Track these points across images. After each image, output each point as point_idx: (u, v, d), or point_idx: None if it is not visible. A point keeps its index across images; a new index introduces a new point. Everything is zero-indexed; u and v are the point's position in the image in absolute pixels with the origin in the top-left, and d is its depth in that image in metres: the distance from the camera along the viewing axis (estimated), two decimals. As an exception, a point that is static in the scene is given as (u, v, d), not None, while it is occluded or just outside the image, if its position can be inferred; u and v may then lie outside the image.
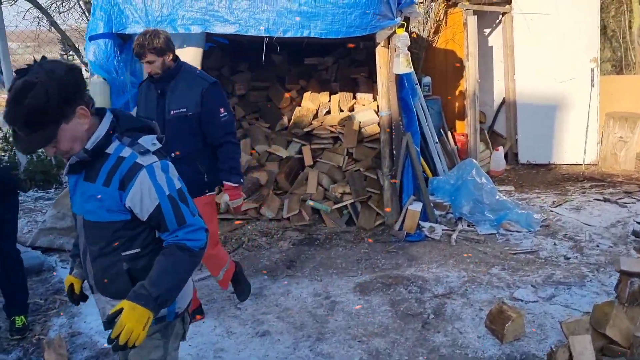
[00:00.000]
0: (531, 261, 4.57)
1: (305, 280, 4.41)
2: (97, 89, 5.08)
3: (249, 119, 6.51)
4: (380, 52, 4.88)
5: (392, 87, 4.96)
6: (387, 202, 5.24)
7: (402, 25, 4.69)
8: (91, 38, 4.57)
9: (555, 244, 4.93)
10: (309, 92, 6.51)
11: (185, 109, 3.36)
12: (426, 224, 5.20)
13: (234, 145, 3.53)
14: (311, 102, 6.38)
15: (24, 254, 4.54)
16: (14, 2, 7.29)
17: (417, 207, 5.14)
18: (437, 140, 6.26)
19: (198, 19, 4.43)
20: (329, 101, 6.42)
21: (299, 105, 6.48)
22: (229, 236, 5.32)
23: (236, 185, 3.55)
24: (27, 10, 7.66)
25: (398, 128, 5.07)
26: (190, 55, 4.92)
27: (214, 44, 7.02)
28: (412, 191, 5.25)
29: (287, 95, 6.53)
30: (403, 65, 4.72)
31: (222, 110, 3.42)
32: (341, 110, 6.31)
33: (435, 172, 6.20)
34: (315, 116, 6.38)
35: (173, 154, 3.29)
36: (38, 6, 7.79)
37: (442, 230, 5.18)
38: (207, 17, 4.43)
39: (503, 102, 7.71)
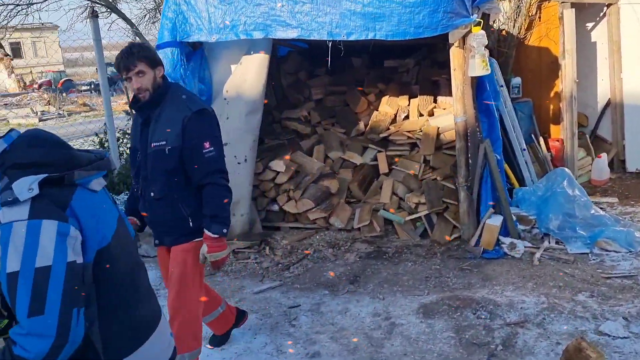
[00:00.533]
0: (627, 287, 3.99)
1: (367, 297, 4.15)
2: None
3: (325, 124, 6.33)
4: (455, 53, 4.50)
5: (468, 90, 4.55)
6: (463, 215, 4.84)
7: (478, 24, 4.29)
8: (158, 47, 4.61)
9: (659, 267, 4.29)
10: (387, 96, 6.22)
11: (164, 142, 2.78)
12: (506, 240, 4.73)
13: (220, 187, 2.84)
14: (389, 107, 6.09)
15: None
16: (108, 14, 7.69)
17: (496, 221, 4.70)
18: (525, 147, 5.72)
19: (260, 24, 4.32)
20: (408, 105, 6.09)
21: (377, 110, 6.21)
22: (296, 246, 5.17)
23: (216, 236, 2.83)
24: (114, 22, 8.06)
25: (474, 135, 4.65)
26: (257, 62, 4.86)
27: (292, 49, 6.94)
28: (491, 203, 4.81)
29: (364, 99, 6.28)
30: (479, 67, 4.31)
31: (206, 144, 2.78)
32: (421, 115, 5.97)
33: (522, 182, 5.68)
34: (394, 121, 6.09)
35: (151, 194, 2.87)
36: (124, 17, 8.17)
37: (525, 247, 4.69)
38: (269, 22, 4.30)
39: (608, 103, 6.94)
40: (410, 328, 3.67)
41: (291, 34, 4.29)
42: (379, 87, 6.45)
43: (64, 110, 22.85)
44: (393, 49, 6.55)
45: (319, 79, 6.66)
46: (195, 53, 4.88)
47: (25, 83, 34.24)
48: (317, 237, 5.32)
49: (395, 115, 6.10)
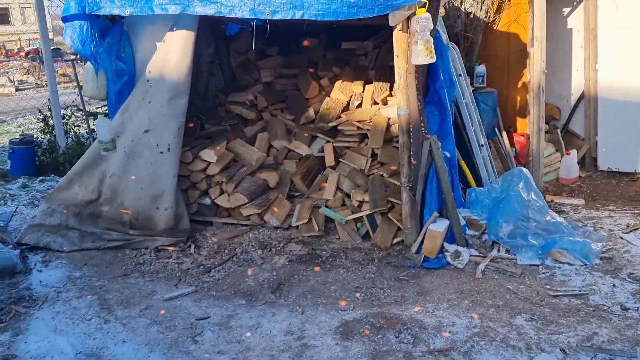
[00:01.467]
0: (574, 309, 3.57)
1: (285, 310, 3.71)
2: (89, 76, 4.64)
3: (272, 109, 5.83)
4: (398, 38, 4.00)
5: (412, 80, 4.06)
6: (405, 218, 4.39)
7: (423, 5, 3.78)
8: (65, 19, 4.08)
9: (614, 285, 3.87)
10: (341, 81, 5.72)
11: None
12: (451, 248, 4.30)
13: None
14: (342, 93, 5.60)
15: (-4, 254, 4.23)
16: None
17: (439, 226, 4.25)
18: (483, 143, 5.25)
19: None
20: (363, 92, 5.60)
21: (329, 96, 5.71)
22: (224, 245, 4.72)
23: None
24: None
25: (418, 130, 4.17)
26: (182, 40, 4.36)
27: (244, 26, 6.39)
28: (436, 206, 4.35)
29: (315, 83, 5.77)
30: (422, 54, 3.81)
31: None
32: (375, 103, 5.48)
33: (480, 183, 5.23)
34: (347, 109, 5.60)
35: None
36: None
37: (470, 256, 4.26)
38: (188, -4, 3.78)
39: (582, 96, 6.46)
40: (322, 351, 3.23)
41: (210, 10, 3.77)
42: (333, 71, 5.94)
43: (42, 81, 22.15)
44: (353, 30, 6.02)
45: (269, 60, 6.15)
46: (113, 27, 4.36)
47: (7, 51, 33.25)
48: (251, 235, 4.88)
49: (349, 103, 5.61)
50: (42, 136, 7.64)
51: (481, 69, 5.75)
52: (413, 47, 3.86)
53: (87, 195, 4.79)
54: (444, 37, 4.65)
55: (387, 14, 3.77)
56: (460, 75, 5.12)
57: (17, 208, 5.74)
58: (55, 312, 3.78)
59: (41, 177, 6.83)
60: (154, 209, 4.67)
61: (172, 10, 3.84)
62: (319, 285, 4.04)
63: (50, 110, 7.39)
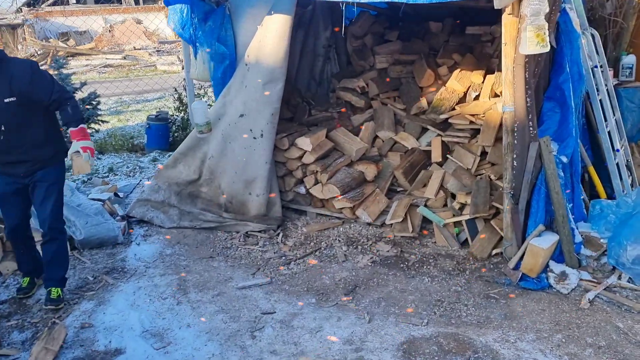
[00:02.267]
0: (700, 365, 2.86)
1: (352, 316, 3.46)
2: (199, 58, 4.72)
3: (383, 97, 5.51)
4: (507, 23, 3.46)
5: (520, 72, 3.51)
6: (506, 228, 3.87)
7: (538, -16, 3.21)
8: (167, 3, 4.15)
9: None
10: (459, 70, 5.22)
11: None
12: (558, 268, 3.71)
13: None
14: (459, 83, 5.11)
15: (102, 224, 4.52)
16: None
17: (544, 242, 3.68)
18: (619, 148, 4.46)
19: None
20: (483, 82, 5.06)
21: (445, 85, 5.25)
22: (313, 237, 4.57)
23: None
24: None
25: (523, 130, 3.61)
26: (278, 24, 4.25)
27: (364, 9, 6.11)
28: (543, 218, 3.77)
29: (430, 72, 5.33)
30: (532, 42, 3.26)
31: None
32: (496, 96, 4.93)
33: (612, 193, 4.47)
34: (462, 100, 5.11)
35: None
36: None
37: (580, 280, 3.64)
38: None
39: None
40: (377, 369, 2.95)
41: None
42: (453, 59, 5.45)
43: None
44: (483, 13, 5.45)
45: (387, 45, 5.81)
46: (216, 11, 4.36)
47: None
48: (341, 229, 4.67)
49: (466, 94, 5.11)
50: (177, 113, 8.09)
51: (630, 59, 4.88)
52: (522, 33, 3.32)
53: (190, 175, 4.92)
54: (576, 20, 3.96)
55: (493, -4, 3.28)
56: (596, 66, 4.37)
57: (140, 181, 6.12)
58: (137, 287, 3.92)
59: (171, 152, 7.23)
60: (247, 194, 4.65)
61: (262, -9, 3.73)
62: (397, 292, 3.73)
63: (185, 89, 7.78)
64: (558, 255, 3.77)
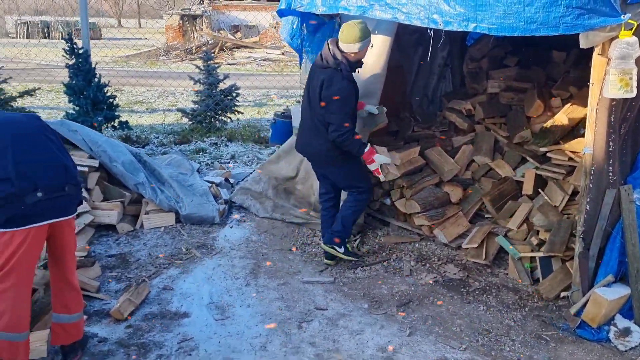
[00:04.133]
0: None
1: (394, 327, 3.62)
2: (303, 67, 5.12)
3: (487, 123, 5.49)
4: (596, 63, 3.35)
5: (603, 114, 3.38)
6: (575, 272, 3.75)
7: (631, 27, 3.10)
8: (280, 14, 4.57)
9: None
10: (570, 104, 5.04)
11: None
12: (622, 323, 3.53)
13: None
14: (567, 117, 4.94)
15: (204, 205, 5.11)
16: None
17: (610, 294, 3.52)
18: None
19: (359, 1, 3.91)
20: (594, 119, 4.84)
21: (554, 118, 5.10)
22: (386, 247, 4.74)
23: None
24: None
25: (600, 174, 3.47)
26: (378, 42, 4.46)
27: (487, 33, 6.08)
28: (615, 269, 3.60)
29: (539, 102, 5.21)
30: (614, 86, 3.14)
31: None
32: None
33: None
34: (570, 134, 4.94)
35: None
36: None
37: (643, 341, 3.43)
38: (373, 1, 3.85)
39: None
40: (397, 380, 3.11)
41: (387, 15, 3.77)
42: (570, 91, 5.27)
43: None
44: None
45: (502, 71, 5.77)
46: (326, 24, 4.71)
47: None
48: (417, 245, 4.78)
49: (574, 129, 4.93)
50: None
51: None
52: (607, 76, 3.22)
53: (289, 172, 5.35)
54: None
55: (577, 34, 3.22)
56: None
57: (254, 171, 6.70)
58: (217, 264, 4.42)
59: (290, 149, 7.78)
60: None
61: (353, 11, 3.97)
62: (447, 314, 3.80)
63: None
64: (627, 310, 3.58)
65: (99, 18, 44.32)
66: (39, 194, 2.81)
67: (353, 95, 3.94)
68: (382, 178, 4.02)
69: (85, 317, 3.61)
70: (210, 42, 21.94)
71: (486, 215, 4.97)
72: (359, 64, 4.02)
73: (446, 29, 3.52)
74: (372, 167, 3.98)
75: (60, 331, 3.17)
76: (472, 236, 4.60)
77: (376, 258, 4.58)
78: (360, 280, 4.25)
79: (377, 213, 5.20)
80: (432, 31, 4.05)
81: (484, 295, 4.05)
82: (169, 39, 24.88)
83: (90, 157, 5.07)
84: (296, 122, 4.74)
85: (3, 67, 8.47)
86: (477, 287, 4.15)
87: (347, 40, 3.84)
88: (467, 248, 4.58)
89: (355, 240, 4.85)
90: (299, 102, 4.94)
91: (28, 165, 2.82)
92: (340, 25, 4.73)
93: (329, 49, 3.90)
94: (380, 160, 3.96)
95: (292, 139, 5.30)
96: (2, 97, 8.23)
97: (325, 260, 4.44)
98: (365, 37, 3.85)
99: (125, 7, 52.77)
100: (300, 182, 5.27)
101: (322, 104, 3.90)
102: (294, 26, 4.65)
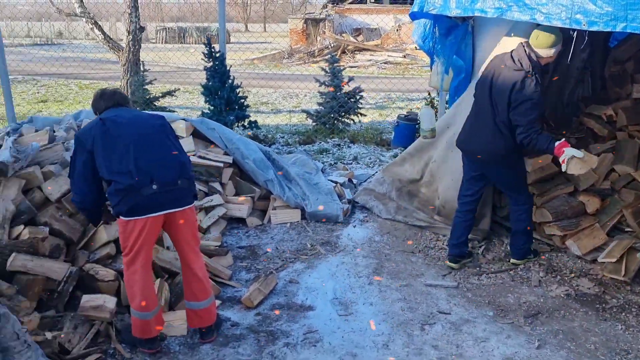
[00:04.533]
0: None
1: (522, 338, 3.50)
2: (434, 68, 5.09)
3: (632, 130, 5.11)
4: None
5: None
6: None
7: None
8: (412, 16, 4.57)
9: None
10: None
11: None
12: None
13: None
14: None
15: (329, 203, 5.26)
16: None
17: None
18: None
19: (497, 1, 3.81)
20: None
21: None
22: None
23: None
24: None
25: None
26: (515, 44, 4.32)
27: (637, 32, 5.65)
28: None
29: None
30: None
31: None
32: None
33: None
34: None
35: None
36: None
37: None
38: (511, 2, 3.74)
39: None
40: (524, 392, 3.01)
41: (524, 16, 3.63)
42: None
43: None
44: None
45: (652, 74, 5.33)
46: (459, 26, 4.65)
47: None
48: (547, 255, 4.57)
49: None
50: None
51: None
52: None
53: (413, 174, 5.35)
54: None
55: None
56: None
57: (375, 173, 6.77)
58: (341, 261, 4.53)
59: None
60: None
61: (490, 13, 3.87)
62: (581, 330, 3.60)
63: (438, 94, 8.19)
64: None
65: (228, 23, 46.80)
66: (154, 187, 3.11)
67: (541, 99, 3.89)
68: (563, 167, 3.78)
69: (219, 302, 3.88)
70: (332, 45, 22.37)
71: (626, 229, 4.63)
72: (545, 67, 4.03)
73: (590, 29, 3.34)
74: (561, 157, 3.79)
75: (193, 316, 3.45)
76: (610, 250, 4.32)
77: (502, 266, 4.45)
78: (485, 287, 4.15)
79: (504, 220, 5.04)
80: (575, 32, 3.85)
81: (623, 314, 3.79)
82: (292, 42, 25.72)
83: (225, 153, 5.40)
84: (427, 124, 4.70)
85: (149, 69, 9.25)
86: (614, 305, 3.89)
87: (544, 45, 3.84)
88: (604, 262, 4.30)
89: (480, 247, 4.73)
90: (427, 104, 4.91)
91: (146, 161, 3.14)
92: (473, 28, 4.66)
93: (525, 51, 3.87)
94: (571, 153, 3.76)
95: (419, 142, 5.29)
96: (147, 97, 9.02)
97: (449, 263, 4.40)
98: (559, 41, 3.86)
99: (252, 12, 55.27)
100: (425, 185, 5.24)
101: (508, 104, 3.88)
102: (426, 29, 4.64)
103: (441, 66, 4.87)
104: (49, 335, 3.14)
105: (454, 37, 4.64)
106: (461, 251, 4.42)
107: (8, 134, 4.39)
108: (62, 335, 3.22)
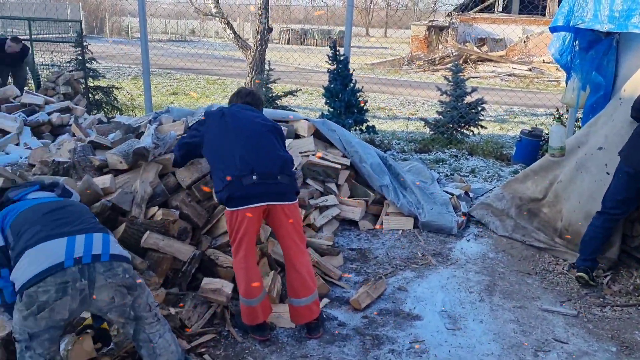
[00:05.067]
0: None
1: (648, 381, 3.23)
2: (569, 85, 4.85)
3: None
4: None
5: None
6: None
7: None
8: (553, 30, 4.36)
9: None
10: None
11: None
12: None
13: None
14: None
15: (444, 214, 5.19)
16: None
17: None
18: None
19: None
20: None
21: None
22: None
23: None
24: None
25: None
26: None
27: None
28: None
29: None
30: None
31: None
32: None
33: None
34: None
35: None
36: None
37: None
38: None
39: None
40: None
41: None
42: None
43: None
44: None
45: None
46: (602, 41, 4.37)
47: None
48: (681, 293, 4.18)
49: None
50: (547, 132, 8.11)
51: None
52: None
53: (535, 193, 5.11)
54: None
55: None
56: None
57: (494, 187, 6.55)
58: (452, 274, 4.44)
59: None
60: (584, 226, 4.59)
61: (643, 30, 3.62)
62: None
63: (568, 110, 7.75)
64: None
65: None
66: (254, 177, 3.29)
67: None
68: None
69: (327, 300, 3.95)
70: (454, 53, 21.93)
71: None
72: None
73: None
74: None
75: (293, 311, 3.54)
76: None
77: (629, 299, 4.13)
78: (609, 321, 3.87)
79: (635, 251, 4.67)
80: None
81: None
82: (413, 49, 25.53)
83: (344, 155, 5.48)
84: (557, 142, 4.48)
85: (274, 69, 9.62)
86: None
87: None
88: None
89: (606, 277, 4.43)
90: (557, 121, 4.67)
91: (250, 154, 3.35)
92: (618, 42, 4.38)
93: None
94: None
95: (545, 160, 5.05)
96: (270, 95, 9.37)
97: (579, 274, 4.28)
98: None
99: (373, 17, 55.52)
100: (548, 206, 4.99)
101: None
102: (565, 42, 4.42)
103: (578, 82, 4.60)
104: (172, 310, 3.38)
105: (595, 51, 4.38)
106: (593, 264, 4.29)
107: (150, 122, 4.76)
108: (183, 313, 3.45)
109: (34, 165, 4.37)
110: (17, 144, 6.09)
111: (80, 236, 2.50)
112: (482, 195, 6.21)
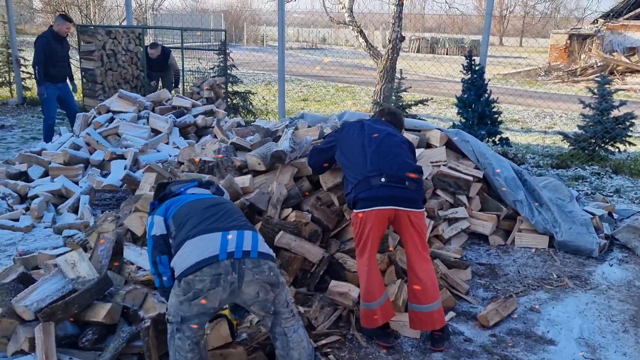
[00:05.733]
0: None
1: None
2: None
3: None
4: None
5: None
6: None
7: None
8: None
9: None
10: None
11: None
12: None
13: None
14: None
15: (583, 235, 4.88)
16: None
17: None
18: None
19: None
20: None
21: None
22: None
23: None
24: None
25: None
26: None
27: None
28: None
29: None
30: None
31: None
32: None
33: None
34: None
35: None
36: None
37: None
38: None
39: None
40: None
41: None
42: None
43: None
44: None
45: None
46: None
47: None
48: None
49: None
50: None
51: None
52: None
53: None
54: None
55: None
56: None
57: (641, 210, 6.02)
58: (592, 300, 4.14)
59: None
60: None
61: None
62: None
63: None
64: None
65: (479, 36, 46.01)
66: (382, 180, 3.39)
67: None
68: None
69: (453, 314, 3.86)
70: (599, 64, 20.43)
71: None
72: None
73: None
74: None
75: (414, 317, 3.49)
76: None
77: None
78: None
79: None
80: None
81: None
82: (551, 59, 24.13)
83: (476, 167, 5.33)
84: None
85: (406, 77, 9.59)
86: None
87: None
88: None
89: None
90: None
91: (380, 158, 3.49)
92: None
93: None
94: None
95: None
96: (401, 104, 9.35)
97: None
98: None
99: (508, 25, 53.36)
100: None
101: None
102: None
103: None
104: (301, 309, 3.49)
105: None
106: None
107: (287, 127, 4.97)
108: (311, 312, 3.55)
109: (182, 163, 4.75)
110: (167, 143, 6.63)
111: (233, 232, 2.69)
112: (628, 218, 5.72)
